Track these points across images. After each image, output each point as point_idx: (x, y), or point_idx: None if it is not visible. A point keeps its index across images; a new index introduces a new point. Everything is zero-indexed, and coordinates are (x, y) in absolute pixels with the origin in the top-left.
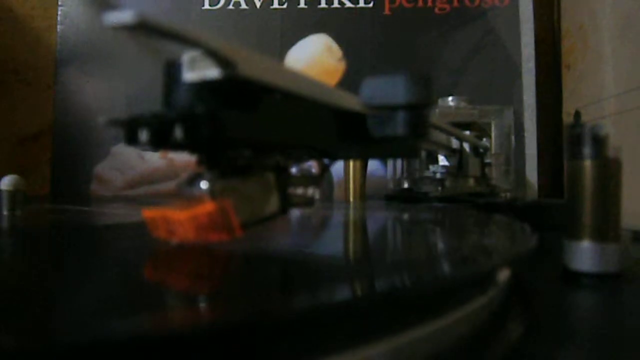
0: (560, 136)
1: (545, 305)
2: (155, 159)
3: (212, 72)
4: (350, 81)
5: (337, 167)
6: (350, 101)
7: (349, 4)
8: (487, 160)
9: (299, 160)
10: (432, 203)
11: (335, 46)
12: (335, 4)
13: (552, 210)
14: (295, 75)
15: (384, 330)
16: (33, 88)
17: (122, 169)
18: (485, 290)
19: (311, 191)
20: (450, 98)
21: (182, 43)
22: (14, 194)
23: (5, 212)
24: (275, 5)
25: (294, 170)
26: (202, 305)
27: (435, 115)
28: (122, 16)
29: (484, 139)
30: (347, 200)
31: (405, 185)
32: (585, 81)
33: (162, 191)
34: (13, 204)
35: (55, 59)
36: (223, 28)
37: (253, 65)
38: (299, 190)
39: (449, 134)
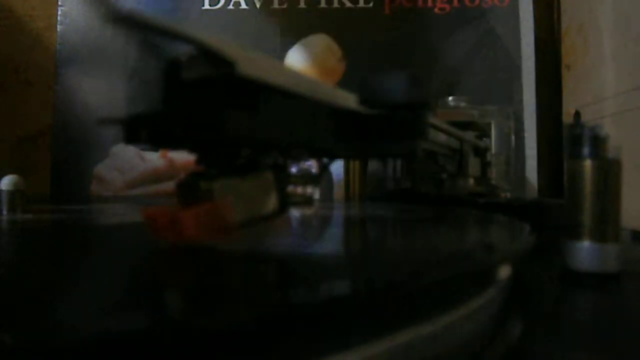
0: (560, 136)
1: (545, 305)
2: (155, 159)
3: (211, 70)
4: (350, 81)
5: (337, 167)
6: (349, 101)
7: (349, 4)
8: (487, 160)
9: (298, 159)
10: (432, 203)
11: (335, 46)
12: (335, 4)
13: (552, 210)
14: (294, 75)
15: (384, 329)
16: (33, 88)
17: (122, 169)
18: (485, 290)
19: (310, 190)
20: (450, 98)
21: (182, 41)
22: (14, 194)
23: (5, 212)
24: (275, 5)
25: (293, 169)
26: (200, 303)
27: (435, 115)
28: (121, 14)
29: (484, 139)
30: (347, 200)
31: (405, 185)
32: (585, 81)
33: (162, 191)
34: (13, 204)
35: (55, 59)
36: (223, 28)
37: (252, 64)
38: (298, 190)
39: (449, 134)
